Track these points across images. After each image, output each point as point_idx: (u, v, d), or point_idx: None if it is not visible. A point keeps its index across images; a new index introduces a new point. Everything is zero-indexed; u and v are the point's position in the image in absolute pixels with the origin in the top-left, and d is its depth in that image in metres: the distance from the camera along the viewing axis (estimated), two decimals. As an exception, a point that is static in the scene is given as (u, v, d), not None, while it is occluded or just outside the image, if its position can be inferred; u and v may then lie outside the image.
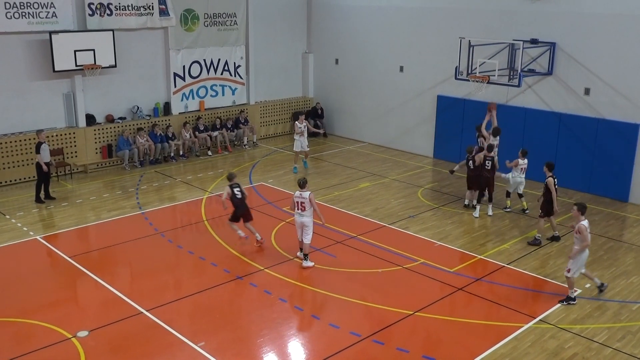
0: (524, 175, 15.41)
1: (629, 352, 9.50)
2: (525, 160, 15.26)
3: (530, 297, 11.53)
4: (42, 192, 16.21)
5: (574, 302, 10.91)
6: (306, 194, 12.08)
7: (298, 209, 12.19)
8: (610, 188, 16.71)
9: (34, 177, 16.85)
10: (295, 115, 20.29)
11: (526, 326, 10.17)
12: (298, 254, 12.64)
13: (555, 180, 13.47)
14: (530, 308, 10.89)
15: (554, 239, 13.79)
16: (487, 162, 15.10)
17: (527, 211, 15.53)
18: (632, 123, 16.12)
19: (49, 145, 16.94)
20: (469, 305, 11.08)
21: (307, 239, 12.23)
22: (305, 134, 19.09)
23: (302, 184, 12.22)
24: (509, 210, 15.68)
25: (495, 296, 11.29)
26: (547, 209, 13.43)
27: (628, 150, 16.27)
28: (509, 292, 11.47)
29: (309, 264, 12.30)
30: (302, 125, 18.96)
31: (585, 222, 10.89)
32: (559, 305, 10.87)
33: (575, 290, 11.09)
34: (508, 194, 15.77)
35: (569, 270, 10.85)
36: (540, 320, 10.39)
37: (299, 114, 19.39)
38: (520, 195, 15.65)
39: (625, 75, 16.14)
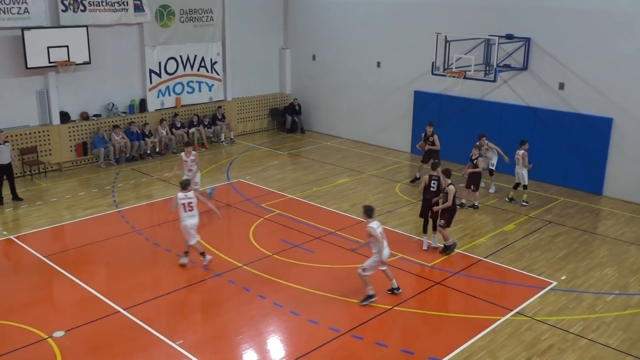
0: (518, 165, 15.61)
1: (604, 342, 9.65)
2: (519, 151, 15.50)
3: (507, 290, 11.65)
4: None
5: (373, 300, 10.67)
6: (191, 193, 11.88)
7: (186, 211, 11.79)
8: (584, 181, 16.95)
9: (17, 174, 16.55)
10: (187, 144, 15.94)
11: (503, 319, 10.27)
12: (204, 261, 12.05)
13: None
14: (507, 301, 10.99)
15: (447, 248, 12.90)
16: (432, 182, 13.03)
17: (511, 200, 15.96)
18: (606, 117, 16.36)
19: (19, 144, 16.54)
20: (446, 299, 11.17)
21: (194, 240, 11.98)
22: (195, 169, 14.91)
23: (185, 185, 11.96)
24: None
25: (472, 289, 11.39)
26: (449, 218, 12.73)
27: (602, 144, 16.50)
28: (486, 285, 11.58)
29: (185, 261, 12.16)
30: (188, 159, 14.82)
31: (373, 224, 10.49)
32: (534, 298, 11.00)
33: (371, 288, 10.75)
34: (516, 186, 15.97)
35: (364, 269, 10.62)
36: (517, 312, 10.50)
37: (186, 145, 15.16)
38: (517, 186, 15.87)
39: (598, 70, 16.36)
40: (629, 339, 9.76)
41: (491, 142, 16.30)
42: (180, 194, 11.87)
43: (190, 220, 11.88)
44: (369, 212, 10.64)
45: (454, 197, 12.62)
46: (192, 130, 21.32)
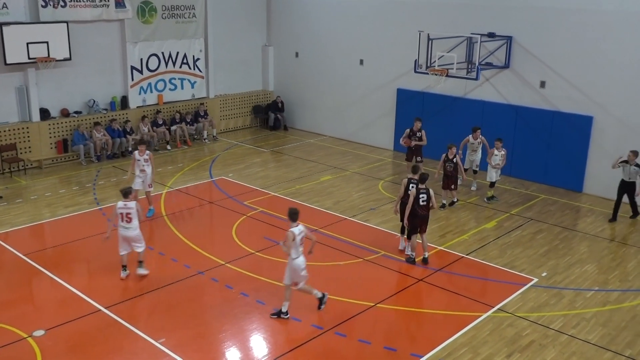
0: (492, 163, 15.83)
1: (584, 337, 9.76)
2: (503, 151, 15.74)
3: (488, 286, 11.73)
4: None
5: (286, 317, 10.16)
6: (132, 203, 11.10)
7: (123, 221, 11.06)
8: (565, 179, 17.12)
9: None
10: (140, 142, 14.71)
11: (485, 315, 10.35)
12: (122, 274, 11.39)
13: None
14: (489, 297, 11.08)
15: (415, 260, 12.34)
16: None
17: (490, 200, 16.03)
18: (586, 115, 16.53)
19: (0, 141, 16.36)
20: (429, 296, 11.23)
21: (141, 248, 11.39)
22: (149, 171, 14.11)
23: (126, 193, 11.16)
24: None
25: (454, 286, 11.46)
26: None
27: (582, 142, 16.67)
28: (468, 282, 11.66)
29: (144, 272, 11.49)
30: (141, 158, 14.02)
31: (295, 229, 9.83)
32: (515, 294, 11.10)
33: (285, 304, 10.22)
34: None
35: (296, 284, 10.01)
36: (498, 309, 10.59)
37: (140, 144, 14.34)
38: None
39: (579, 68, 16.51)
40: (608, 334, 9.89)
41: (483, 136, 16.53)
42: (120, 203, 11.08)
43: (126, 232, 11.12)
44: (292, 215, 9.89)
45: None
46: (174, 127, 21.19)
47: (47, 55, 17.96)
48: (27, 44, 17.54)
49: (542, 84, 17.27)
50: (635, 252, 13.10)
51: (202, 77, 22.72)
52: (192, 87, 22.54)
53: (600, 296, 11.16)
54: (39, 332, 9.61)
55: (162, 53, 21.41)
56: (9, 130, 17.94)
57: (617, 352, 9.41)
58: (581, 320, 10.28)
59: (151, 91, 21.40)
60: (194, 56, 22.28)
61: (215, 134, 22.43)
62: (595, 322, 10.24)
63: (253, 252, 12.70)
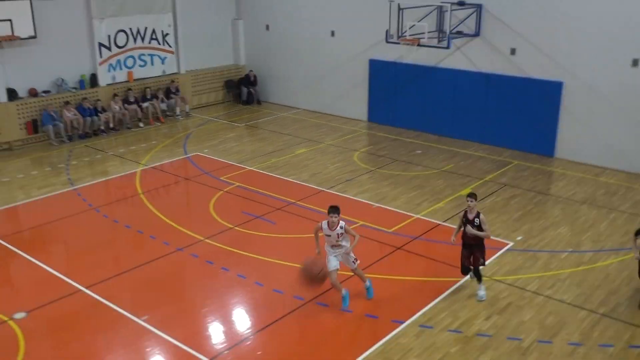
0: None
1: (559, 297, 10.04)
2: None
3: (465, 252, 11.91)
4: None
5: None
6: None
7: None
8: (537, 144, 17.37)
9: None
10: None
11: (462, 280, 10.55)
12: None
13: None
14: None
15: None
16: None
17: None
18: (556, 81, 16.72)
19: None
20: (407, 264, 11.39)
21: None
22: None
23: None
24: None
25: (432, 253, 11.65)
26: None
27: (553, 107, 16.89)
28: (445, 249, 11.82)
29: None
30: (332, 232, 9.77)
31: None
32: (492, 259, 11.30)
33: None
34: None
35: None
36: (476, 273, 10.79)
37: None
38: None
39: (549, 35, 16.65)
40: (583, 293, 10.17)
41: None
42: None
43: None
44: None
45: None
46: (145, 104, 20.91)
47: (11, 34, 17.51)
48: (-10, 22, 17.11)
49: (513, 51, 17.40)
50: (606, 213, 13.42)
51: (172, 53, 22.38)
52: (163, 63, 22.19)
53: (574, 257, 11.45)
54: (20, 315, 9.56)
55: (130, 29, 20.99)
56: (-24, 112, 17.56)
57: (591, 310, 9.70)
58: (556, 282, 10.56)
59: (120, 68, 21.01)
60: (162, 31, 21.91)
61: (187, 110, 22.19)
62: (570, 283, 10.52)
63: (232, 226, 12.72)
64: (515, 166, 16.49)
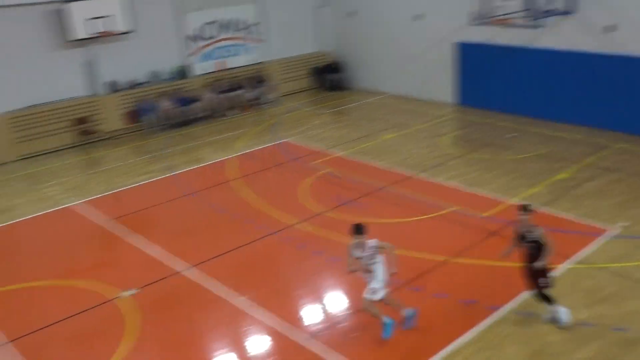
0: None
1: (667, 287, 9.52)
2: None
3: (564, 238, 11.45)
4: None
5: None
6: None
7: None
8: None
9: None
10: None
11: (562, 267, 10.19)
12: None
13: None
14: (564, 250, 10.87)
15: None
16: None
17: None
18: (661, 58, 15.75)
19: (71, 115, 17.06)
20: (502, 249, 11.10)
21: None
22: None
23: None
24: None
25: (528, 239, 11.29)
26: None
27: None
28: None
29: None
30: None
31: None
32: (592, 245, 10.85)
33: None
34: None
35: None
36: (576, 261, 10.40)
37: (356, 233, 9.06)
38: None
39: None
40: (693, 282, 9.60)
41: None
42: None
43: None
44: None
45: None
46: (234, 93, 21.44)
47: (111, 30, 18.39)
48: (89, 19, 17.98)
49: (612, 28, 16.49)
50: None
51: (259, 42, 22.79)
52: (250, 52, 22.65)
53: (683, 244, 10.80)
54: (126, 293, 10.11)
55: (217, 21, 21.56)
56: (81, 104, 18.60)
57: (703, 300, 9.15)
58: (663, 269, 10.01)
59: (210, 59, 21.65)
60: (248, 21, 22.34)
61: (275, 98, 22.55)
62: (679, 271, 9.94)
63: (322, 211, 12.86)
64: (616, 149, 15.68)
